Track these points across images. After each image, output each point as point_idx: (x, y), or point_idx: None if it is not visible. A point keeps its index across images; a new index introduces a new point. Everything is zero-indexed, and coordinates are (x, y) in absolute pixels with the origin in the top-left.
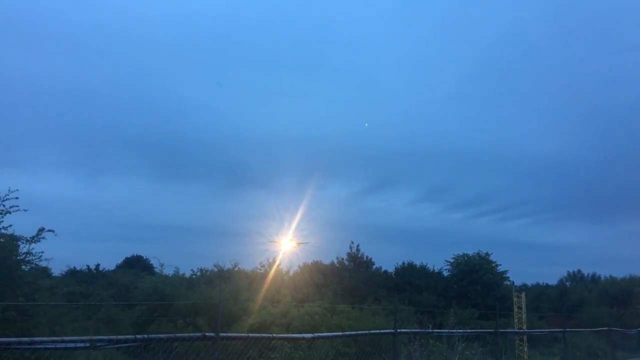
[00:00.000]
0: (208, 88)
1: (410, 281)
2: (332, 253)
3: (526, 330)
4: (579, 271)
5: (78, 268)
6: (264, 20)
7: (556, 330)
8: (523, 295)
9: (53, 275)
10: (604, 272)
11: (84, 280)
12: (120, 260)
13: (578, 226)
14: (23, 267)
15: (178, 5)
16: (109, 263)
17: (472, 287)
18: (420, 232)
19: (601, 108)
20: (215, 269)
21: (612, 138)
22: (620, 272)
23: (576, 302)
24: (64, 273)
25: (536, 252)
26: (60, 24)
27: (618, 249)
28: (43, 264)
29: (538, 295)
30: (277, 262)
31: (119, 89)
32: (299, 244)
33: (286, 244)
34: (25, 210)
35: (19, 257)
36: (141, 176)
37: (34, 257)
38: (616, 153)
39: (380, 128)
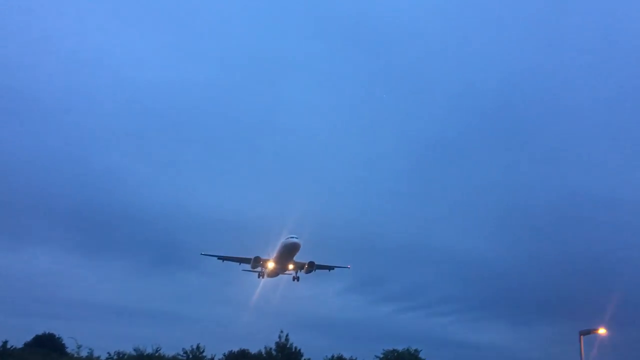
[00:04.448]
0: (141, 162)
1: None
2: (260, 341)
3: None
4: None
5: None
6: (206, 99)
7: None
8: None
9: None
10: None
11: None
12: (29, 338)
13: (500, 327)
14: None
15: (121, 81)
16: (18, 340)
17: None
18: (349, 323)
19: (522, 212)
20: (135, 353)
21: (533, 242)
22: None
23: None
24: None
25: (462, 350)
26: None
27: (538, 351)
28: None
29: None
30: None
31: (45, 156)
32: (331, 268)
33: None
34: None
35: None
36: (63, 248)
37: None
38: (536, 257)
39: (315, 215)
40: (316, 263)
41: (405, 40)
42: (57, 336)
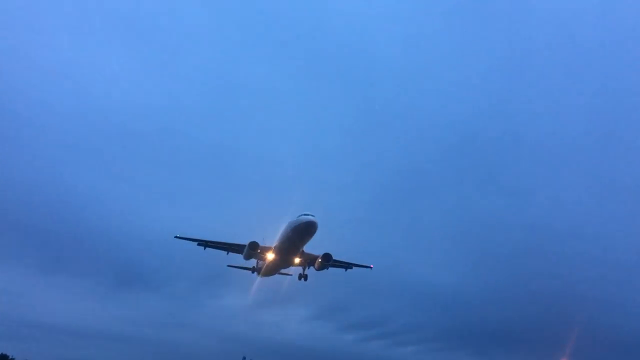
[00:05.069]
0: (108, 182)
1: None
2: None
3: None
4: None
5: None
6: (176, 122)
7: None
8: None
9: None
10: None
11: None
12: None
13: (463, 357)
14: None
15: (90, 98)
16: None
17: None
18: (314, 350)
19: (486, 244)
20: None
21: (496, 274)
22: None
23: None
24: None
25: None
26: None
27: None
28: None
29: None
30: None
31: (4, 172)
32: (350, 267)
33: None
34: None
35: None
36: (21, 266)
37: None
38: (499, 289)
39: None
40: (334, 257)
41: (377, 72)
42: (10, 357)
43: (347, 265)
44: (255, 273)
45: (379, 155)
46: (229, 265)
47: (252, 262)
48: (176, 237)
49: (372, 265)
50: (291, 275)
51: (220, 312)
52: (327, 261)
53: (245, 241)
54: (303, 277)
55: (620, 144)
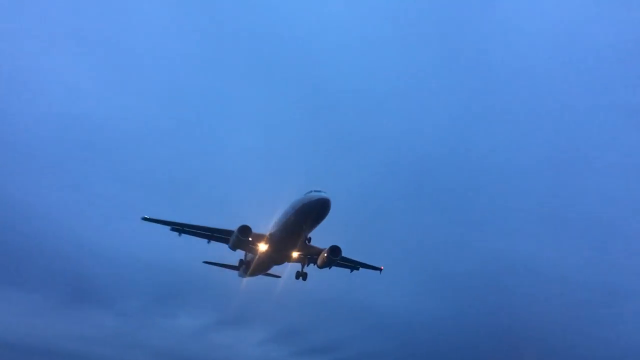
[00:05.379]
0: (61, 194)
1: None
2: None
3: None
4: None
5: None
6: (139, 136)
7: None
8: None
9: None
10: None
11: None
12: None
13: None
14: None
15: (47, 107)
16: None
17: None
18: None
19: (445, 273)
20: None
21: (454, 302)
22: None
23: None
24: None
25: None
26: None
27: None
28: None
29: None
30: None
31: None
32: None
33: None
34: None
35: None
36: None
37: None
38: (457, 317)
39: None
40: (342, 253)
41: (345, 99)
42: None
43: (355, 266)
44: (240, 271)
45: (340, 182)
46: (205, 262)
47: (238, 258)
48: (144, 218)
49: (382, 267)
50: (279, 277)
51: (173, 332)
52: (335, 256)
53: (232, 228)
54: (302, 275)
55: (578, 179)
